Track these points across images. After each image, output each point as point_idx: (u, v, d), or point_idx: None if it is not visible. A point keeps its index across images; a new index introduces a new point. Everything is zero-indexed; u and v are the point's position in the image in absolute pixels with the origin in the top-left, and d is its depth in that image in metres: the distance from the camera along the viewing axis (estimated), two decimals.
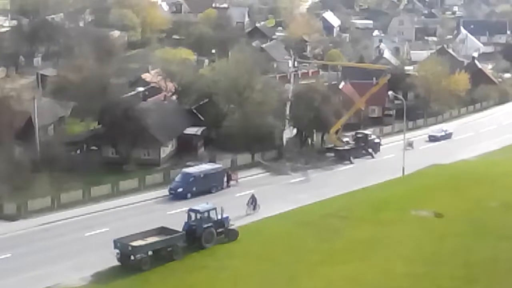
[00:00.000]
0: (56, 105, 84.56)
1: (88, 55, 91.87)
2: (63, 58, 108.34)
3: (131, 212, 61.93)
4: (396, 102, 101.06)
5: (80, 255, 51.26)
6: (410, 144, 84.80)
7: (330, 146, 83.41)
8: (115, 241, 49.54)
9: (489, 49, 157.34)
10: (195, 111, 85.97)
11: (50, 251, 52.43)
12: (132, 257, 48.79)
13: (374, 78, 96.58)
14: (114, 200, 64.73)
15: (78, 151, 76.00)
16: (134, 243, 49.20)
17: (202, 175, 66.91)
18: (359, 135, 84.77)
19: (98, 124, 78.76)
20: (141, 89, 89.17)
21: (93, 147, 76.52)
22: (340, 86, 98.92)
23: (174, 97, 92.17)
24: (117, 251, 49.26)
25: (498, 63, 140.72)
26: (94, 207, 62.90)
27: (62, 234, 55.89)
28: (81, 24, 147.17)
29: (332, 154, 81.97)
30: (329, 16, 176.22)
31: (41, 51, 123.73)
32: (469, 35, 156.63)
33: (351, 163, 79.98)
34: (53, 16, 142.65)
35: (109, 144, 75.48)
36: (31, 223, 58.74)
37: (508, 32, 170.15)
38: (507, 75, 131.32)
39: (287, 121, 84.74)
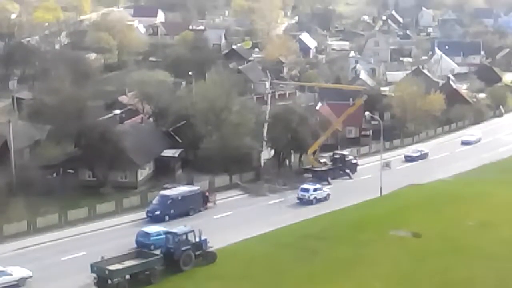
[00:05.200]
0: (32, 128, 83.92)
1: (64, 78, 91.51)
2: (39, 81, 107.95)
3: (108, 235, 61.36)
4: (372, 122, 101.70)
5: (57, 280, 50.59)
6: (387, 165, 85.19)
7: (307, 167, 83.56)
8: (92, 265, 49.06)
9: (464, 69, 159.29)
10: (172, 133, 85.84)
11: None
12: (109, 281, 48.26)
13: (351, 99, 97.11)
14: (91, 224, 64.14)
15: (55, 175, 75.33)
16: (112, 267, 48.73)
17: (179, 198, 66.61)
18: (337, 156, 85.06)
19: (75, 147, 78.26)
20: (117, 111, 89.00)
21: (70, 170, 75.88)
22: (317, 107, 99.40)
23: (151, 119, 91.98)
24: (94, 275, 48.75)
25: (473, 83, 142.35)
26: (70, 231, 62.26)
27: (38, 259, 55.16)
28: (57, 46, 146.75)
29: (310, 175, 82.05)
30: (306, 37, 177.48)
31: (17, 74, 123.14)
32: (443, 55, 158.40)
33: (329, 184, 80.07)
34: (28, 39, 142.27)
35: (85, 167, 75.00)
36: (7, 247, 57.93)
37: (482, 52, 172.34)
38: (481, 95, 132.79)
39: (264, 142, 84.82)
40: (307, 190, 72.15)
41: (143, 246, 55.82)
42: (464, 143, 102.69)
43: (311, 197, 71.72)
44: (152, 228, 58.57)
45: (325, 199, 72.70)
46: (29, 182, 68.56)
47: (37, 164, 73.95)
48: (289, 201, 72.82)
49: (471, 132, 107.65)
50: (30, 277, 49.74)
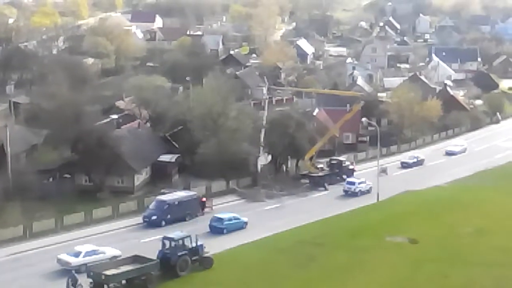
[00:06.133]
0: (28, 133, 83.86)
1: (62, 82, 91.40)
2: (36, 85, 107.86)
3: (104, 240, 61.19)
4: (370, 128, 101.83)
5: (53, 285, 50.45)
6: (384, 171, 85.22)
7: (304, 172, 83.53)
8: (88, 270, 48.92)
9: (461, 76, 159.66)
10: (169, 138, 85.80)
11: (21, 280, 51.52)
12: (105, 286, 48.12)
13: (348, 105, 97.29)
14: (87, 229, 63.99)
15: (51, 179, 75.21)
16: (108, 272, 48.55)
17: (176, 203, 66.52)
18: (334, 162, 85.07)
19: (71, 151, 78.12)
20: (115, 116, 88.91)
21: (66, 175, 75.76)
22: (314, 113, 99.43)
23: (148, 124, 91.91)
24: (90, 280, 48.57)
25: (470, 89, 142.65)
26: (66, 235, 62.07)
27: (33, 264, 55.01)
28: (55, 51, 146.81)
29: (307, 181, 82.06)
30: (303, 43, 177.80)
31: (14, 79, 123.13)
32: (440, 62, 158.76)
33: (326, 189, 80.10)
34: (26, 43, 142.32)
35: (82, 172, 74.90)
36: (2, 252, 57.71)
37: (479, 59, 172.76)
38: (478, 101, 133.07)
39: (261, 148, 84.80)
40: (353, 183, 78.41)
41: (216, 231, 62.27)
42: (448, 153, 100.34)
43: (356, 190, 77.79)
44: (224, 214, 64.65)
45: (368, 191, 77.64)
46: (25, 186, 68.42)
47: (34, 168, 73.80)
48: (286, 207, 72.82)
49: (456, 142, 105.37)
50: (120, 255, 52.93)
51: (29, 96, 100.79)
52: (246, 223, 64.89)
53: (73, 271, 48.75)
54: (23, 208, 65.22)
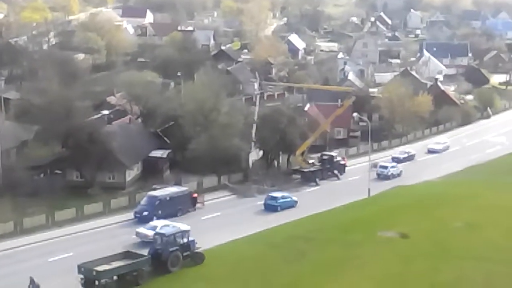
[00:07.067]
0: (19, 129, 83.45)
1: (52, 78, 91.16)
2: (26, 81, 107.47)
3: (95, 236, 61.14)
4: (361, 123, 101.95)
5: (44, 281, 50.16)
6: (375, 166, 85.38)
7: (296, 168, 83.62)
8: (79, 266, 48.75)
9: (452, 71, 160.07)
10: (160, 134, 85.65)
11: (12, 277, 51.38)
12: (96, 282, 48.00)
13: (339, 100, 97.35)
14: (78, 225, 63.88)
15: (42, 175, 74.99)
16: (99, 268, 48.45)
17: (168, 198, 66.47)
18: (325, 157, 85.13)
19: (62, 147, 77.91)
20: (106, 112, 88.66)
21: (57, 171, 75.60)
22: (306, 108, 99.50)
23: (139, 120, 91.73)
24: (81, 276, 48.47)
25: (460, 85, 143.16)
26: (58, 231, 61.99)
27: (25, 260, 54.88)
28: (45, 47, 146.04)
29: (298, 176, 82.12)
30: (294, 38, 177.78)
31: (4, 74, 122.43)
32: (431, 57, 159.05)
33: (317, 184, 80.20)
34: (16, 39, 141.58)
35: (73, 167, 74.76)
36: None
37: (470, 54, 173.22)
38: (469, 96, 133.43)
39: (253, 143, 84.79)
40: (385, 167, 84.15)
41: (271, 208, 68.51)
42: (431, 151, 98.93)
43: (389, 173, 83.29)
44: (278, 193, 71.35)
45: (399, 175, 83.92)
46: (16, 182, 68.21)
47: (24, 164, 73.57)
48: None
49: (438, 140, 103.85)
50: (188, 231, 53.94)
51: (20, 92, 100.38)
52: (296, 201, 71.19)
53: (31, 276, 48.10)
54: (13, 204, 65.04)
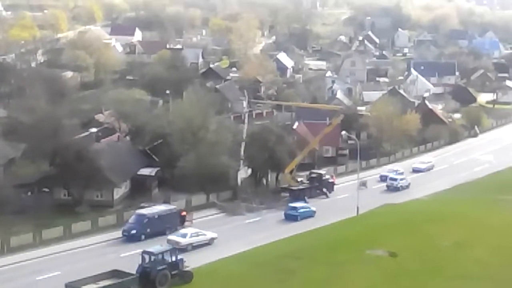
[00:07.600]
0: (6, 147, 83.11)
1: (40, 96, 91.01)
2: (14, 99, 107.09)
3: (83, 255, 60.75)
4: (349, 142, 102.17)
5: None
6: (363, 184, 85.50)
7: (284, 186, 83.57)
8: (66, 285, 48.44)
9: (439, 89, 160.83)
10: (149, 151, 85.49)
11: None
12: None
13: (328, 118, 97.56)
14: (66, 243, 63.47)
15: (29, 193, 74.58)
16: (86, 287, 48.15)
17: (156, 217, 66.20)
18: (314, 175, 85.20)
19: (50, 165, 77.57)
20: (94, 130, 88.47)
21: (45, 189, 75.20)
22: (294, 126, 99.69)
23: (127, 137, 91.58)
24: None
25: (448, 103, 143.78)
26: (45, 250, 61.54)
27: (12, 279, 54.45)
28: (33, 64, 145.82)
29: (287, 194, 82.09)
30: (283, 57, 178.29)
31: None
32: (419, 76, 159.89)
33: (306, 203, 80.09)
34: (4, 57, 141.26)
35: (61, 185, 74.38)
36: None
37: (457, 73, 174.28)
38: (456, 115, 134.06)
39: (241, 161, 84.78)
40: (395, 179, 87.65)
41: (291, 218, 71.63)
42: (415, 170, 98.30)
43: (398, 185, 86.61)
44: (298, 203, 74.62)
45: (407, 187, 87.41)
46: (3, 200, 67.74)
47: (12, 182, 73.16)
48: (267, 220, 72.76)
49: (423, 159, 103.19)
50: (216, 238, 62.25)
51: (7, 110, 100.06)
52: (315, 211, 73.83)
53: None
54: (0, 222, 64.50)
